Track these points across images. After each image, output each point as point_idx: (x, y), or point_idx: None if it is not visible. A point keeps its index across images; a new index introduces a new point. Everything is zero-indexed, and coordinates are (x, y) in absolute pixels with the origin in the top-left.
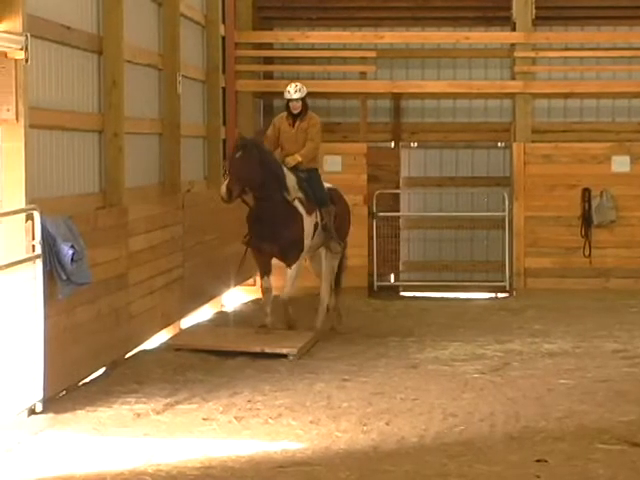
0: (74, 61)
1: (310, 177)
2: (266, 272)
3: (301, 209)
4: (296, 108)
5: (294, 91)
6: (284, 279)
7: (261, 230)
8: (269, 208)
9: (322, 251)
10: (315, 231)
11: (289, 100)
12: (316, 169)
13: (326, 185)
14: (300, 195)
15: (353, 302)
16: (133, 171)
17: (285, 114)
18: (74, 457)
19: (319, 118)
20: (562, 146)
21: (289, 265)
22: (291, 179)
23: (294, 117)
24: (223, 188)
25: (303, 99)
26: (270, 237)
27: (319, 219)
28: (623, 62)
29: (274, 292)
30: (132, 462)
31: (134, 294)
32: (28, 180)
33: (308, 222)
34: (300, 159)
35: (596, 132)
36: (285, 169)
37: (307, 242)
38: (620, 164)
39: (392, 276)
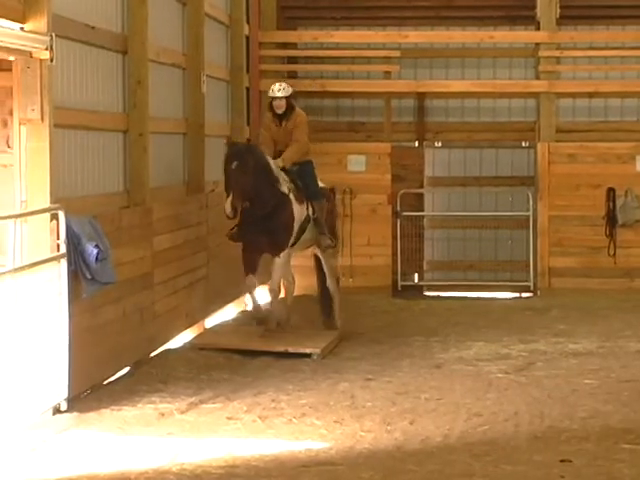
0: (99, 61)
1: (302, 170)
2: (252, 269)
3: (291, 196)
4: (279, 107)
5: (277, 89)
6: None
7: (248, 219)
8: (258, 199)
9: (319, 252)
10: (307, 224)
11: (272, 98)
12: (310, 161)
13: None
14: (290, 185)
15: (377, 301)
16: (157, 171)
17: (270, 114)
18: (98, 456)
19: (305, 116)
20: (587, 145)
21: (277, 254)
22: (281, 174)
23: (279, 117)
24: (228, 207)
25: (287, 98)
26: (258, 225)
27: (310, 212)
28: None
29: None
30: (156, 461)
31: (158, 293)
32: (53, 180)
33: (298, 210)
34: (282, 164)
35: (620, 132)
36: (274, 166)
37: (296, 228)
38: None
39: (416, 276)
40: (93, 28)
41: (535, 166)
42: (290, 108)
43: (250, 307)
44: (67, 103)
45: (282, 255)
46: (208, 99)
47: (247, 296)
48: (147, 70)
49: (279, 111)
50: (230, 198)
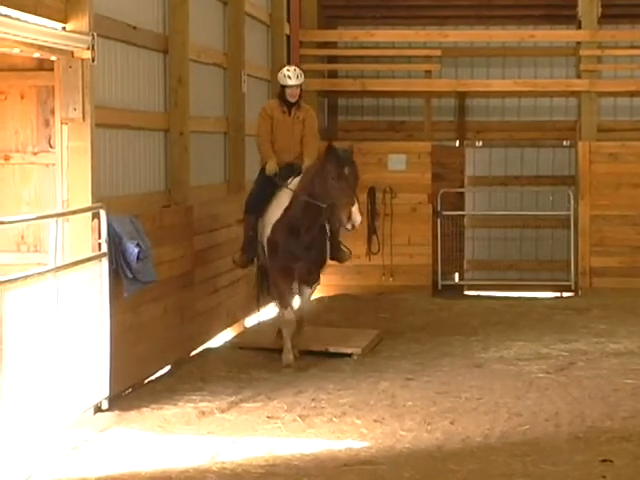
0: (140, 60)
1: None
2: (289, 302)
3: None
4: (294, 95)
5: (295, 76)
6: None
7: (290, 245)
8: (307, 219)
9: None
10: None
11: (285, 86)
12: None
13: None
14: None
15: (417, 301)
16: (198, 170)
17: (276, 102)
18: (139, 454)
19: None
20: (628, 145)
21: (312, 284)
22: None
23: (289, 105)
24: (358, 216)
25: (300, 85)
26: (300, 253)
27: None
28: None
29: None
30: (197, 460)
31: (199, 292)
32: (94, 179)
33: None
34: (309, 163)
35: None
36: None
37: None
38: None
39: (456, 275)
40: (135, 28)
41: (576, 165)
42: (301, 96)
43: (285, 344)
44: (108, 103)
45: (315, 285)
46: (249, 98)
47: (284, 332)
48: (188, 69)
49: (293, 99)
50: (357, 206)
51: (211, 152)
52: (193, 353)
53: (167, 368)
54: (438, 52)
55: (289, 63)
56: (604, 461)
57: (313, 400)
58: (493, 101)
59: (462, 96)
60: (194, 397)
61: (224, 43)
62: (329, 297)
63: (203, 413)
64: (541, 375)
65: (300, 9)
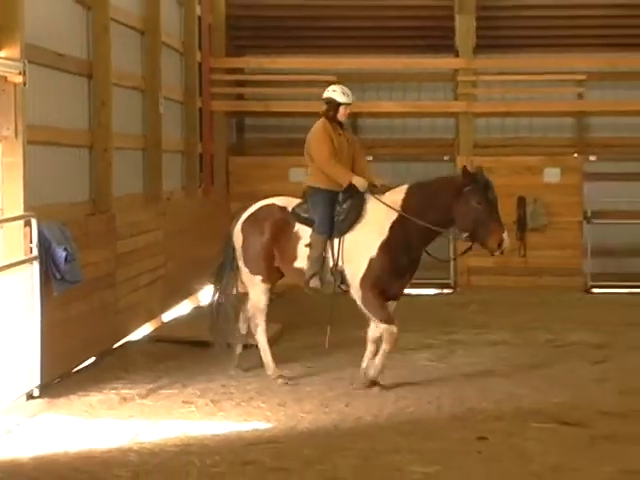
0: (67, 84)
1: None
2: (391, 316)
3: None
4: (346, 115)
5: (347, 94)
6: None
7: (404, 264)
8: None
9: None
10: None
11: (339, 104)
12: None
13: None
14: None
15: (321, 298)
16: (120, 182)
17: (326, 122)
18: (67, 437)
19: None
20: (501, 159)
21: (400, 298)
22: None
23: (339, 125)
24: (508, 240)
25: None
26: (407, 270)
27: None
28: (553, 85)
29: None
30: (119, 441)
31: (121, 291)
32: (26, 190)
33: None
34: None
35: (530, 146)
36: None
37: None
38: (551, 175)
39: None
40: (61, 55)
41: None
42: None
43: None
44: (39, 122)
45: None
46: (165, 118)
47: (387, 346)
48: (110, 92)
49: (344, 119)
50: (506, 232)
51: (131, 166)
52: (116, 346)
53: (92, 359)
54: (333, 77)
55: (201, 87)
56: (480, 438)
57: (223, 386)
58: (382, 121)
59: (354, 116)
60: (116, 385)
61: (142, 69)
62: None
63: (124, 399)
64: (425, 363)
65: (210, 38)
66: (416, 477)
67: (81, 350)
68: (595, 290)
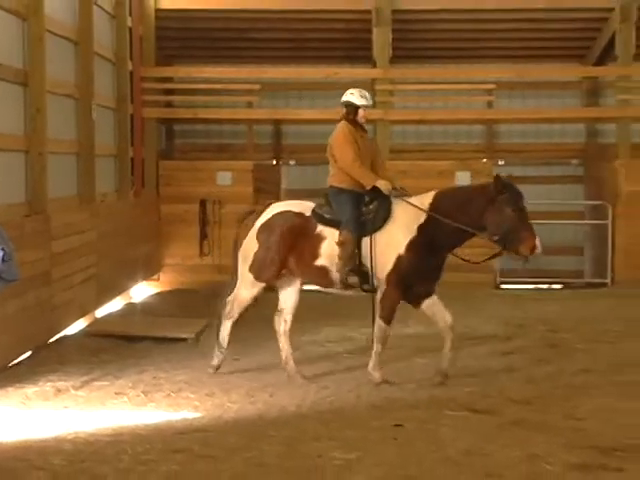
0: (3, 92)
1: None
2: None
3: None
4: (366, 117)
5: (367, 97)
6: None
7: (432, 264)
8: (451, 241)
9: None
10: None
11: (358, 107)
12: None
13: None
14: None
15: None
16: (55, 184)
17: (348, 124)
18: (4, 428)
19: None
20: (416, 163)
21: (420, 304)
22: None
23: (359, 127)
24: (540, 246)
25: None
26: (434, 271)
27: None
28: (465, 94)
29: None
30: (54, 431)
31: (56, 289)
32: None
33: None
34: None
35: (443, 152)
36: None
37: None
38: (462, 178)
39: None
40: None
41: None
42: None
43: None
44: None
45: None
46: (98, 124)
47: (379, 347)
48: (45, 100)
49: (364, 120)
50: (539, 239)
51: (66, 170)
52: (51, 340)
53: (28, 353)
54: (257, 86)
55: (132, 95)
56: (396, 425)
57: (154, 378)
58: (304, 127)
59: (278, 123)
60: (52, 377)
61: (76, 77)
62: (168, 291)
63: (59, 391)
64: (346, 355)
65: (141, 48)
66: (337, 463)
67: (18, 344)
68: (504, 286)
